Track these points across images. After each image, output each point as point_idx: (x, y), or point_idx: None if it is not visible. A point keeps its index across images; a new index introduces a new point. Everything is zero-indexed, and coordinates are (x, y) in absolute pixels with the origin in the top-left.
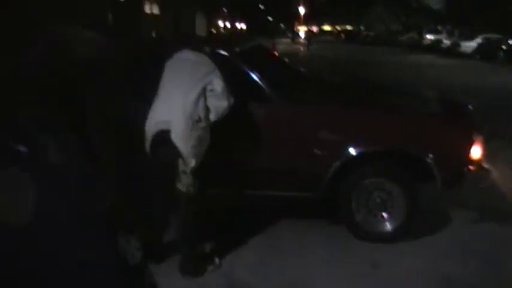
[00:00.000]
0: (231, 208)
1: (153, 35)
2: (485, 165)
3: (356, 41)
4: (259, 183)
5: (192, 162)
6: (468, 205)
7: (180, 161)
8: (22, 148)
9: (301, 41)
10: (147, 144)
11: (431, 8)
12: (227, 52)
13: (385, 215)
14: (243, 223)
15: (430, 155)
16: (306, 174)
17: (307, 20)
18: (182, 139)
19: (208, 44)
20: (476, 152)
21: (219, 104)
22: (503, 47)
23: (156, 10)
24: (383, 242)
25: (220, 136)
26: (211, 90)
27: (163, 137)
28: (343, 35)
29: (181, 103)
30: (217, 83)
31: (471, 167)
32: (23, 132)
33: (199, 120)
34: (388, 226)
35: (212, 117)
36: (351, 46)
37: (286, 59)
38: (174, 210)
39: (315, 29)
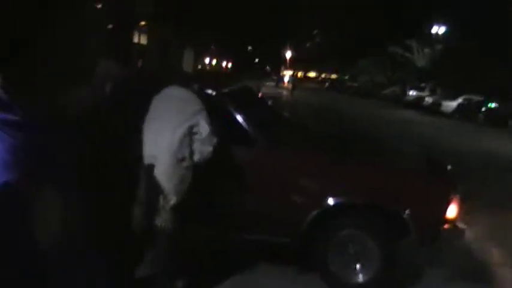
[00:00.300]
0: (208, 249)
1: (139, 66)
2: (460, 225)
3: (339, 90)
4: (239, 225)
5: (173, 200)
6: (441, 263)
7: (161, 197)
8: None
9: (285, 85)
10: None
11: (416, 65)
12: (215, 92)
13: (358, 266)
14: (221, 265)
15: (407, 211)
16: (284, 219)
17: (293, 65)
18: (165, 175)
19: (196, 82)
20: (452, 211)
21: (203, 148)
22: (483, 109)
23: (144, 40)
24: None
25: (202, 175)
26: (197, 133)
27: (148, 171)
28: (326, 83)
29: (168, 140)
30: (203, 127)
31: (447, 226)
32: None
33: (183, 159)
34: (361, 278)
35: (196, 158)
36: (333, 94)
37: (270, 103)
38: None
39: (300, 74)
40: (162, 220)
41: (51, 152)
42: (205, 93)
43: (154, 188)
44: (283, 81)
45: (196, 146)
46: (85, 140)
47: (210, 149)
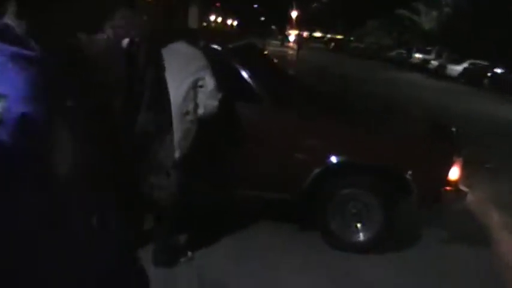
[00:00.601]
0: (211, 206)
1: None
2: (462, 188)
3: (344, 51)
4: (241, 181)
5: (176, 154)
6: (441, 225)
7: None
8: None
9: (290, 44)
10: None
11: (423, 27)
12: (220, 47)
13: (359, 225)
14: (222, 221)
15: (409, 172)
16: (286, 177)
17: (299, 24)
18: None
19: (202, 38)
20: (454, 173)
21: (208, 101)
22: (489, 74)
23: None
24: (355, 252)
25: (206, 132)
26: (202, 86)
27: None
28: (332, 44)
29: (172, 94)
30: (209, 80)
31: (448, 188)
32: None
33: (187, 113)
34: (361, 237)
35: (200, 112)
36: (338, 56)
37: (276, 61)
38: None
39: (305, 34)
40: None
41: (64, 88)
42: (211, 48)
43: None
44: (289, 41)
45: (201, 99)
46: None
47: (215, 103)
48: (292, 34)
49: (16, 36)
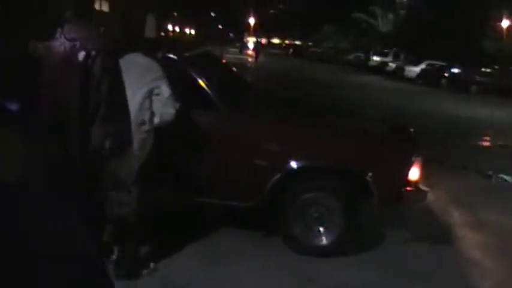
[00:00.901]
0: (170, 213)
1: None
2: (422, 187)
3: (303, 56)
4: (201, 189)
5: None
6: (403, 226)
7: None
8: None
9: (249, 52)
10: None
11: (380, 30)
12: (176, 56)
13: (321, 229)
14: (182, 229)
15: (370, 173)
16: (246, 183)
17: (257, 31)
18: None
19: (158, 48)
20: (414, 173)
21: (164, 110)
22: (446, 74)
23: (105, 7)
24: (318, 256)
25: (164, 141)
26: (158, 94)
27: None
28: (291, 50)
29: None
30: (164, 89)
31: (409, 188)
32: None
33: (142, 123)
34: (324, 240)
35: (156, 121)
36: (298, 61)
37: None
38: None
39: (264, 40)
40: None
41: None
42: (168, 57)
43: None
44: (248, 48)
45: (157, 107)
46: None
47: (171, 110)
48: (251, 41)
49: None
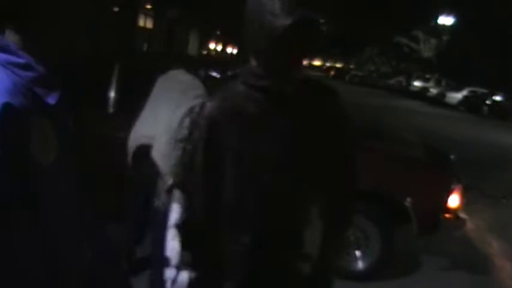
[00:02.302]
0: None
1: (144, 48)
2: (461, 215)
3: (344, 79)
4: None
5: (170, 181)
6: (440, 253)
7: (160, 178)
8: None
9: None
10: (129, 157)
11: (421, 55)
12: (219, 74)
13: (358, 253)
14: None
15: (409, 199)
16: None
17: None
18: (162, 156)
19: (201, 65)
20: (454, 200)
21: None
22: (488, 101)
23: (149, 24)
24: (355, 280)
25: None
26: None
27: (144, 151)
28: (331, 72)
29: (167, 119)
30: None
31: (447, 215)
32: None
33: (182, 140)
34: (361, 265)
35: None
36: (338, 84)
37: None
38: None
39: (304, 62)
40: (160, 201)
41: (49, 92)
42: (211, 75)
43: (151, 169)
44: None
45: None
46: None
47: None
48: None
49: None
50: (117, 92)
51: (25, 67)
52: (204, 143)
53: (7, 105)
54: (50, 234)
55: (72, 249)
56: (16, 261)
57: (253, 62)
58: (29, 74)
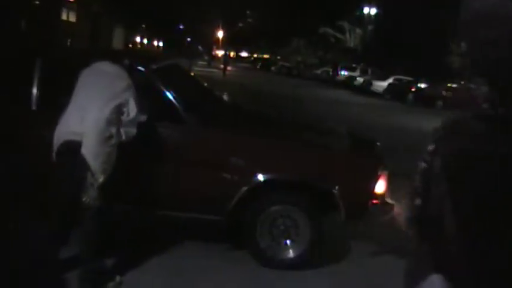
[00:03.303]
0: (136, 227)
1: (68, 43)
2: (389, 200)
3: (271, 70)
4: (168, 203)
5: (101, 178)
6: (369, 238)
7: (89, 174)
8: None
9: (228, 68)
10: (53, 153)
11: (347, 45)
12: (144, 68)
13: (288, 242)
14: (147, 242)
15: (336, 187)
16: (213, 197)
17: (225, 44)
18: (92, 154)
19: (126, 58)
20: (380, 186)
21: (129, 129)
22: (413, 89)
23: (73, 18)
24: (286, 269)
25: (130, 153)
26: (125, 113)
27: (71, 147)
28: (259, 63)
29: (96, 118)
30: (132, 107)
31: (375, 201)
32: None
33: (110, 137)
34: (291, 253)
35: (122, 137)
36: (266, 75)
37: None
38: (76, 223)
39: (232, 54)
40: (88, 197)
41: None
42: (136, 69)
43: (81, 166)
44: (228, 63)
45: (123, 126)
46: None
47: (134, 131)
48: (219, 54)
49: None
50: (39, 89)
51: None
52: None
53: None
54: None
55: None
56: None
57: (482, 87)
58: None
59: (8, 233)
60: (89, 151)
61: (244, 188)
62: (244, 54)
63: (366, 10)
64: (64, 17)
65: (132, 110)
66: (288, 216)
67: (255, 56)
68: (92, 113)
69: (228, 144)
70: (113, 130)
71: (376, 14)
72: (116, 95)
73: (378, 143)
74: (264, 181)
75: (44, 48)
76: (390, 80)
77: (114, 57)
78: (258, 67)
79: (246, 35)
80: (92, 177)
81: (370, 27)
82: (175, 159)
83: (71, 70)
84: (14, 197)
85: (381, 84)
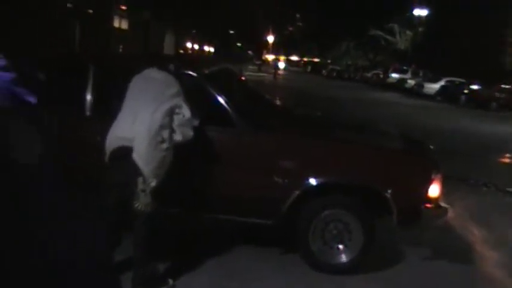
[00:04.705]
0: (188, 231)
1: (120, 50)
2: (442, 204)
3: (322, 74)
4: (219, 207)
5: (153, 183)
6: (422, 243)
7: (140, 180)
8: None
9: (279, 72)
10: (106, 158)
11: (398, 47)
12: (195, 73)
13: (341, 246)
14: (199, 246)
15: (389, 190)
16: (265, 201)
17: (275, 49)
18: (144, 159)
19: (175, 64)
20: (434, 190)
21: (184, 130)
22: (465, 91)
23: (125, 25)
24: (337, 273)
25: (183, 157)
26: (179, 113)
27: (123, 153)
28: (309, 67)
29: (147, 122)
30: (185, 109)
31: (428, 205)
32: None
33: (162, 141)
34: (343, 258)
35: (176, 139)
36: (316, 78)
37: (253, 86)
38: (128, 228)
39: (282, 58)
40: (140, 203)
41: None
42: (186, 74)
43: (132, 171)
44: (279, 68)
45: (177, 127)
46: None
47: (190, 133)
48: (269, 59)
49: None
50: (93, 95)
51: (4, 69)
52: None
53: None
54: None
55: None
56: None
57: None
58: (9, 75)
59: (63, 235)
60: (141, 156)
61: (296, 192)
62: (294, 58)
63: (416, 12)
64: (116, 24)
65: (185, 111)
66: (340, 220)
67: (305, 59)
68: (143, 118)
69: (280, 147)
70: (165, 135)
71: (427, 15)
72: (167, 99)
73: (431, 146)
74: (316, 185)
75: (97, 55)
76: (442, 82)
77: (163, 63)
78: (308, 71)
79: (296, 39)
80: (143, 183)
81: (420, 29)
82: (227, 163)
83: (122, 76)
84: (67, 200)
85: (433, 86)
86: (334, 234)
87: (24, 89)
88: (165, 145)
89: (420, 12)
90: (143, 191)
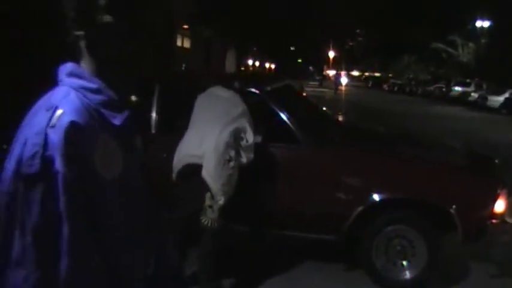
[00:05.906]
0: (250, 247)
1: (183, 68)
2: (508, 219)
3: (383, 88)
4: (282, 222)
5: (221, 200)
6: (488, 259)
7: (208, 196)
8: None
9: (341, 88)
10: (174, 175)
11: (460, 60)
12: (258, 90)
13: (405, 263)
14: (262, 262)
15: (454, 206)
16: (328, 217)
17: (336, 64)
18: (213, 176)
19: (240, 81)
20: (499, 205)
21: (247, 154)
22: None
23: (187, 44)
24: None
25: (248, 175)
26: (243, 138)
27: (193, 170)
28: (370, 82)
29: (215, 141)
30: (249, 134)
31: (494, 220)
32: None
33: (230, 160)
34: (408, 275)
35: (242, 161)
36: (377, 93)
37: (315, 102)
38: (194, 243)
39: (343, 73)
40: (208, 219)
41: (115, 114)
42: (249, 91)
43: (201, 188)
44: (341, 84)
45: (242, 150)
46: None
47: (252, 155)
48: (330, 74)
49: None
50: (158, 113)
51: (96, 91)
52: None
53: (74, 123)
54: (111, 246)
55: (133, 262)
56: (80, 270)
57: None
58: (98, 97)
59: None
60: (209, 173)
61: (360, 208)
62: (355, 73)
63: (478, 23)
64: (179, 43)
65: (249, 136)
66: (404, 236)
67: (366, 74)
68: (211, 137)
69: (343, 163)
70: (232, 153)
71: (489, 27)
72: (233, 120)
73: (497, 160)
74: (380, 200)
75: (162, 75)
76: (506, 94)
77: (227, 81)
78: (369, 85)
79: (356, 54)
80: (211, 199)
81: (483, 41)
82: (291, 178)
83: (187, 95)
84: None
85: (497, 99)
86: (398, 250)
87: (111, 111)
88: (232, 164)
89: (482, 24)
90: (210, 206)
